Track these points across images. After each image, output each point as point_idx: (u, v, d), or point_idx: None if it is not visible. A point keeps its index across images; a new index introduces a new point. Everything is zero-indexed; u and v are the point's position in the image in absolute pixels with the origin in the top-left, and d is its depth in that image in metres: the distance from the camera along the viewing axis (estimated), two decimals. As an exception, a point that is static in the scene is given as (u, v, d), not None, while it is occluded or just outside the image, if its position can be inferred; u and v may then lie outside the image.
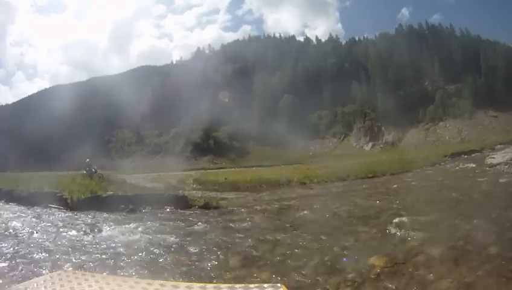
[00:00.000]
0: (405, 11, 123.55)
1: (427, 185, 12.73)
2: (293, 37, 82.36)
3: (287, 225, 7.42)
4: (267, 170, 26.45)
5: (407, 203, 9.22)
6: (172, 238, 6.54)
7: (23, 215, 9.30)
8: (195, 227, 7.64)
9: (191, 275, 4.59)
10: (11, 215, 9.36)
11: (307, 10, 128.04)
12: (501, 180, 11.16)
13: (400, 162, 21.05)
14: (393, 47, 64.66)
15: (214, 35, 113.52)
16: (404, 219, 6.52)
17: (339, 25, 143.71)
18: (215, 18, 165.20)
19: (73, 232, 7.18)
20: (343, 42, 76.50)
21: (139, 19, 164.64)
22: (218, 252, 5.58)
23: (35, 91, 76.06)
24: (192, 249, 5.83)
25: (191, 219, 8.61)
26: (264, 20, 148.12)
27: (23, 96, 73.62)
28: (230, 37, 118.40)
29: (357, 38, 75.23)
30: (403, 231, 5.90)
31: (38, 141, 50.13)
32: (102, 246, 6.10)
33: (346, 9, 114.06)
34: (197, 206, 10.14)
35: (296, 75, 67.27)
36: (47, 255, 5.57)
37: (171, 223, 8.09)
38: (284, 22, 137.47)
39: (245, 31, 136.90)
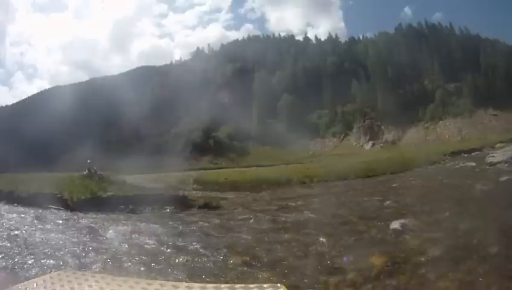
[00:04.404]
0: (407, 10, 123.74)
1: (427, 184, 12.73)
2: (293, 36, 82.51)
3: (287, 225, 7.42)
4: (267, 169, 26.41)
5: (407, 202, 9.23)
6: (172, 238, 6.54)
7: (23, 216, 9.30)
8: (196, 227, 7.64)
9: (191, 275, 4.60)
10: (11, 216, 9.35)
11: (310, 9, 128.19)
12: (501, 179, 11.14)
13: (400, 161, 21.03)
14: (392, 46, 64.61)
15: (216, 34, 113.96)
16: (404, 218, 6.53)
17: (342, 24, 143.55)
18: (217, 17, 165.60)
19: (73, 233, 7.18)
20: (343, 41, 76.55)
21: (140, 18, 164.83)
22: (219, 252, 5.59)
23: (35, 92, 76.13)
24: (192, 249, 5.83)
25: (191, 219, 8.61)
26: (267, 19, 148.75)
27: (23, 97, 73.47)
28: (233, 35, 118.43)
29: (357, 38, 75.29)
30: (402, 230, 5.90)
31: (38, 142, 49.99)
32: (102, 247, 6.10)
33: (350, 8, 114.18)
34: (197, 206, 10.15)
35: (295, 74, 67.18)
36: (47, 255, 5.57)
37: (171, 223, 8.09)
38: (287, 21, 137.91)
39: (247, 29, 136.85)
